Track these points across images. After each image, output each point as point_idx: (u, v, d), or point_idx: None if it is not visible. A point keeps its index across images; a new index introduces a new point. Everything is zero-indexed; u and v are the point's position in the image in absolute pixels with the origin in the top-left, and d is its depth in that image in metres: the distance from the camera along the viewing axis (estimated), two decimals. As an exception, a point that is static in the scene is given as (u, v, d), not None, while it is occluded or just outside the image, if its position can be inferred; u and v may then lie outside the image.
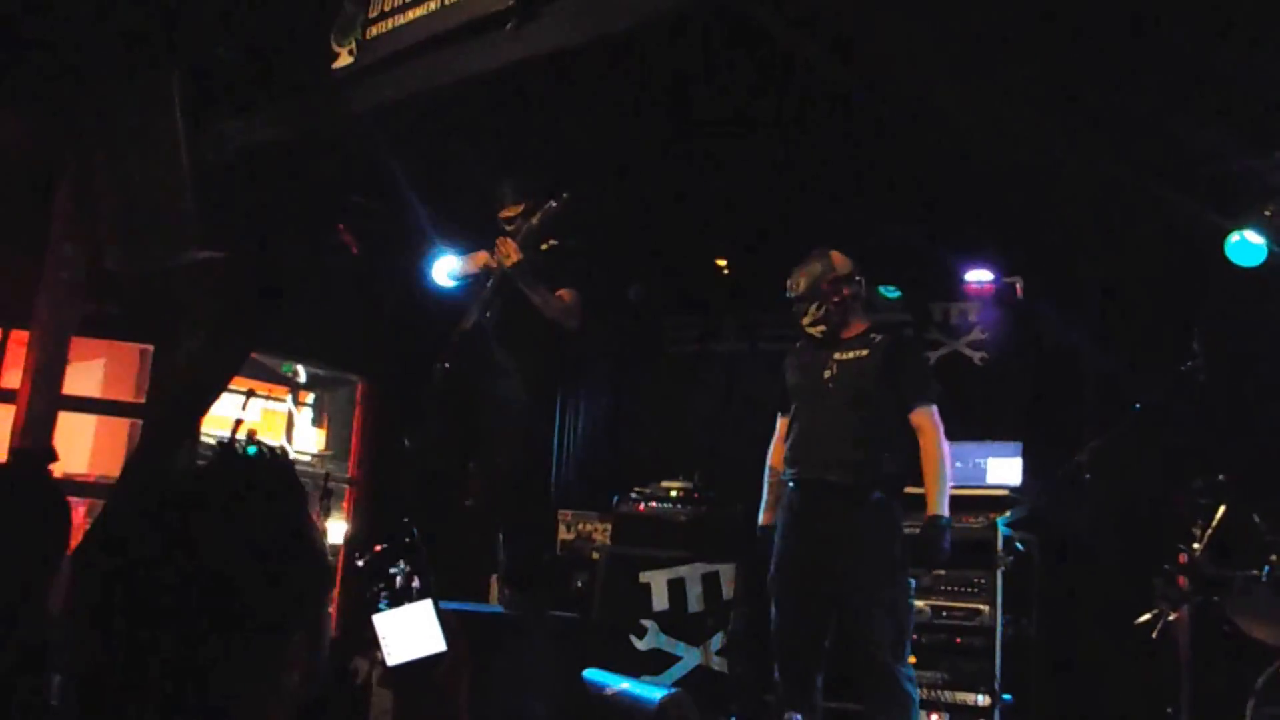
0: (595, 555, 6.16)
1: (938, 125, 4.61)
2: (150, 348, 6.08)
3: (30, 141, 5.02)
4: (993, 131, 4.53)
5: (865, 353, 4.15)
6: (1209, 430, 5.04)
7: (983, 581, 5.11)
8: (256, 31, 4.71)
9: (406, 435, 5.37)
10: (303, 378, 9.19)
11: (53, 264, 4.91)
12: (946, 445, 4.05)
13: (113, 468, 6.39)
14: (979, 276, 6.15)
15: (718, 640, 5.51)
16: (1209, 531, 4.49)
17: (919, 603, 4.98)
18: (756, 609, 4.72)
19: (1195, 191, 4.83)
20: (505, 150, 5.25)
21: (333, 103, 4.61)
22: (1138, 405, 4.80)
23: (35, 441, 4.68)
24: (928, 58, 4.11)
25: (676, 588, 5.66)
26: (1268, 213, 4.86)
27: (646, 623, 5.62)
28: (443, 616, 1.59)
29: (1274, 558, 4.36)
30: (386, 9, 4.31)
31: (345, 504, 7.16)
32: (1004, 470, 5.56)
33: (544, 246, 4.56)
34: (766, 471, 4.42)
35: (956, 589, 5.16)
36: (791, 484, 4.19)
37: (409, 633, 1.63)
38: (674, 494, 6.01)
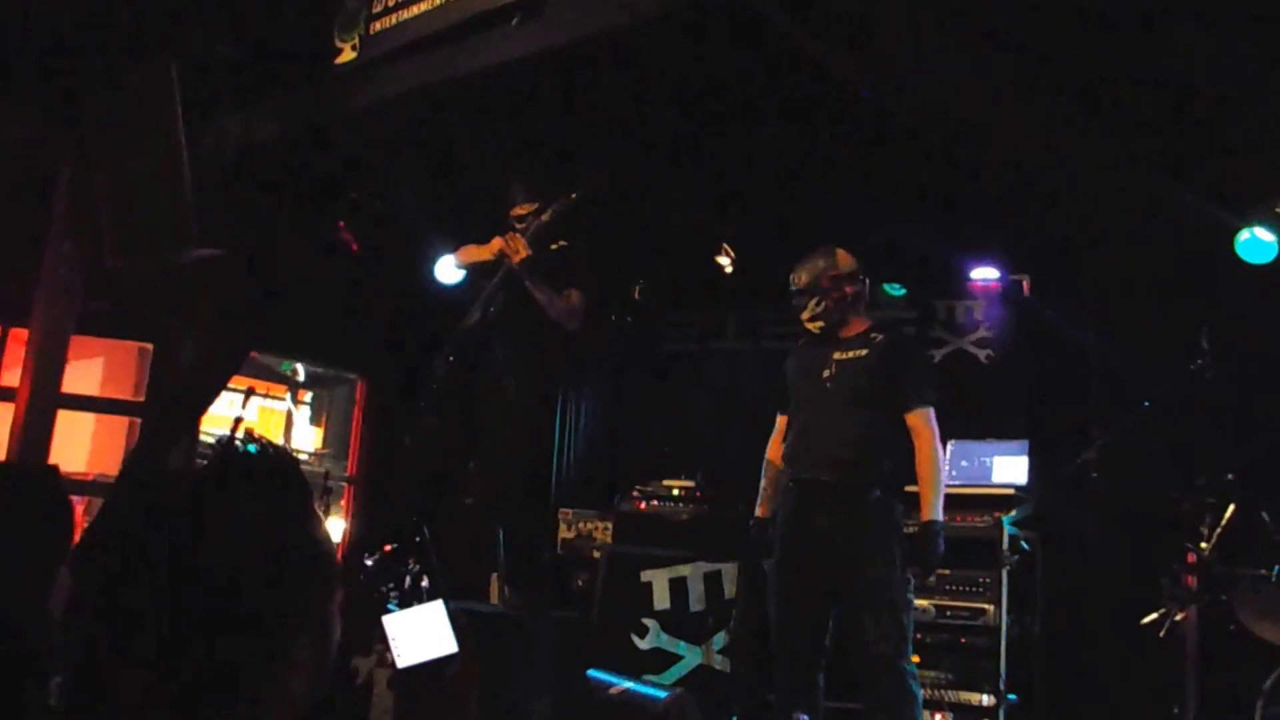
0: (596, 554, 6.13)
1: (944, 122, 4.58)
2: (149, 346, 6.07)
3: (30, 140, 4.99)
4: (1000, 128, 4.50)
5: (864, 352, 4.13)
6: (1217, 429, 5.01)
7: (988, 581, 5.08)
8: (258, 27, 4.68)
9: (406, 433, 5.35)
10: (302, 376, 9.19)
11: (52, 262, 4.89)
12: (941, 449, 4.03)
13: (111, 466, 6.37)
14: (984, 274, 6.13)
15: (720, 639, 5.48)
16: (1217, 530, 4.47)
17: (923, 602, 4.96)
18: (758, 608, 4.69)
19: (1205, 188, 4.80)
20: (507, 147, 5.23)
21: (335, 99, 4.59)
22: (1145, 403, 4.77)
23: (34, 441, 4.66)
24: (934, 54, 4.09)
25: (678, 587, 5.63)
26: (1279, 210, 4.84)
27: (648, 622, 5.59)
28: (454, 617, 1.55)
29: (1283, 557, 4.34)
30: (390, 4, 4.28)
31: (344, 503, 7.15)
32: (1010, 469, 5.53)
33: (554, 246, 4.53)
34: (764, 466, 4.41)
35: (961, 588, 5.14)
36: (791, 483, 4.18)
37: (420, 634, 1.59)
38: (675, 493, 5.99)
